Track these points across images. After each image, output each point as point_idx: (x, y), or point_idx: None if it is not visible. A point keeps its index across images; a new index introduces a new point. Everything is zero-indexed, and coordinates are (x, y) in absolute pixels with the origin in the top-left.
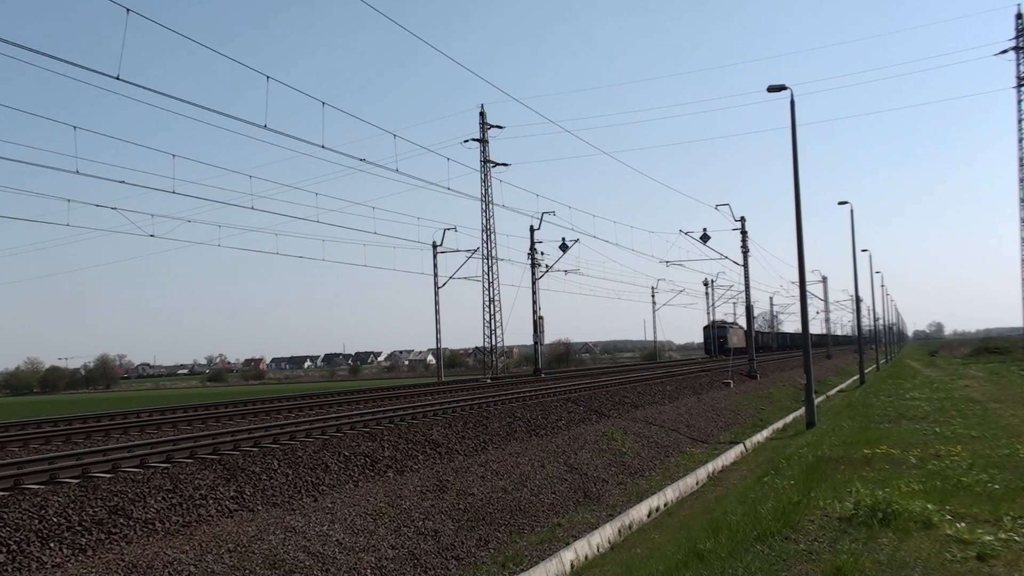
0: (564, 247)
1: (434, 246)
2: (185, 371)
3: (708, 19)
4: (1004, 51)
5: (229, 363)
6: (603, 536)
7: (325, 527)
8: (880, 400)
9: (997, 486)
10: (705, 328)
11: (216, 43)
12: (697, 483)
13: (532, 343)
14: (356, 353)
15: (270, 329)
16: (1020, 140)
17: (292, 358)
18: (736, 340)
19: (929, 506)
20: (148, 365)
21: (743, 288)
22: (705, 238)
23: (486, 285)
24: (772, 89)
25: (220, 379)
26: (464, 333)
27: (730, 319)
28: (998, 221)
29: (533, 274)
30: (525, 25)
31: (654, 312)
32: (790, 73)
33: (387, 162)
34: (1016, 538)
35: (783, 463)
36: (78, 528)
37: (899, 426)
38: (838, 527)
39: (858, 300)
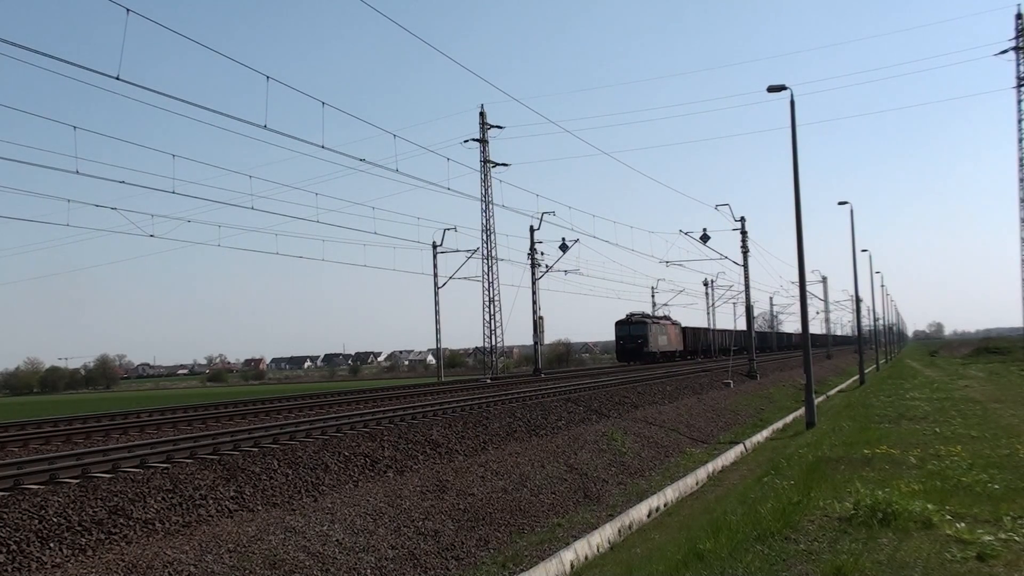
0: (564, 247)
1: (434, 246)
2: (185, 371)
3: (709, 19)
4: (1004, 51)
5: (229, 363)
6: (603, 536)
7: (325, 527)
8: (880, 400)
9: (997, 486)
10: (618, 324)
11: (216, 43)
12: (697, 483)
13: (532, 343)
14: (356, 353)
15: (270, 329)
16: (1020, 140)
17: (292, 358)
18: (664, 341)
19: (929, 506)
20: (148, 365)
21: (743, 288)
22: (705, 238)
23: (486, 285)
24: (772, 89)
25: (220, 379)
26: (464, 333)
27: (658, 311)
28: (998, 221)
29: (533, 274)
30: (525, 25)
31: (654, 312)
32: (790, 73)
33: (387, 162)
34: (1016, 538)
35: (783, 463)
36: (78, 528)
37: (899, 426)
38: (838, 527)
39: (858, 300)
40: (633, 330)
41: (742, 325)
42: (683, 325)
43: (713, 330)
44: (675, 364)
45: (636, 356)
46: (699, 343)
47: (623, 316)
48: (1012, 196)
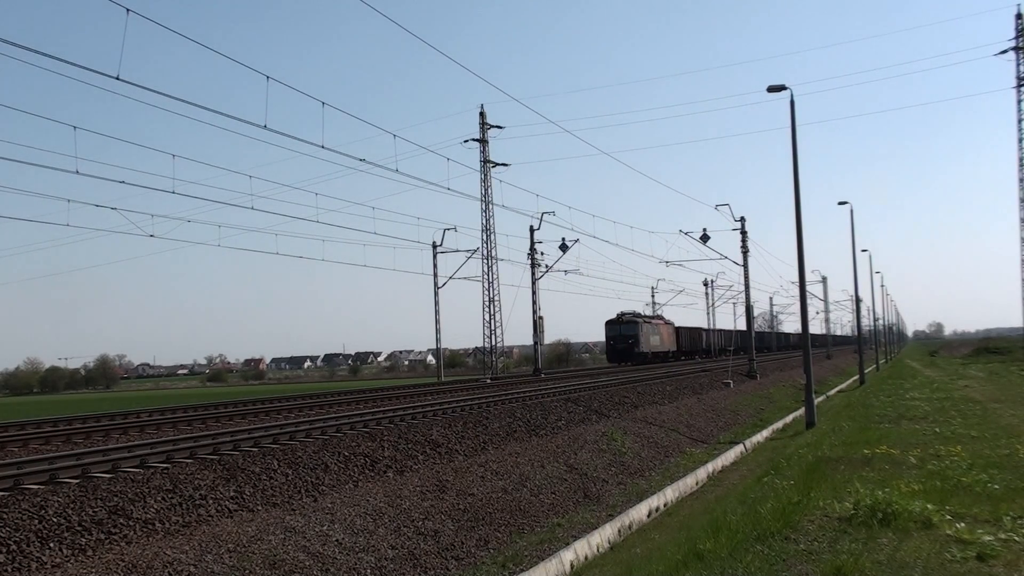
0: (564, 247)
1: (434, 246)
2: (185, 371)
3: (708, 19)
4: (1004, 51)
5: (229, 363)
6: (603, 536)
7: (325, 527)
8: (880, 400)
9: (997, 486)
10: (608, 323)
11: (216, 43)
12: (697, 483)
13: (532, 343)
14: (356, 353)
15: (270, 329)
16: (1020, 140)
17: (292, 358)
18: (656, 341)
19: (929, 506)
20: (148, 365)
21: (743, 288)
22: (705, 238)
23: (486, 285)
24: (772, 89)
25: (220, 379)
26: (464, 333)
27: (649, 310)
28: (998, 221)
29: (533, 274)
30: (525, 25)
31: (654, 310)
32: (790, 73)
33: (387, 162)
34: (1016, 538)
35: (783, 463)
36: (78, 528)
37: (899, 426)
38: (838, 527)
39: (858, 300)
40: (624, 330)
41: (742, 325)
42: (676, 325)
43: (708, 330)
44: (674, 364)
45: (627, 356)
46: (694, 343)
47: (613, 316)
48: (1012, 196)
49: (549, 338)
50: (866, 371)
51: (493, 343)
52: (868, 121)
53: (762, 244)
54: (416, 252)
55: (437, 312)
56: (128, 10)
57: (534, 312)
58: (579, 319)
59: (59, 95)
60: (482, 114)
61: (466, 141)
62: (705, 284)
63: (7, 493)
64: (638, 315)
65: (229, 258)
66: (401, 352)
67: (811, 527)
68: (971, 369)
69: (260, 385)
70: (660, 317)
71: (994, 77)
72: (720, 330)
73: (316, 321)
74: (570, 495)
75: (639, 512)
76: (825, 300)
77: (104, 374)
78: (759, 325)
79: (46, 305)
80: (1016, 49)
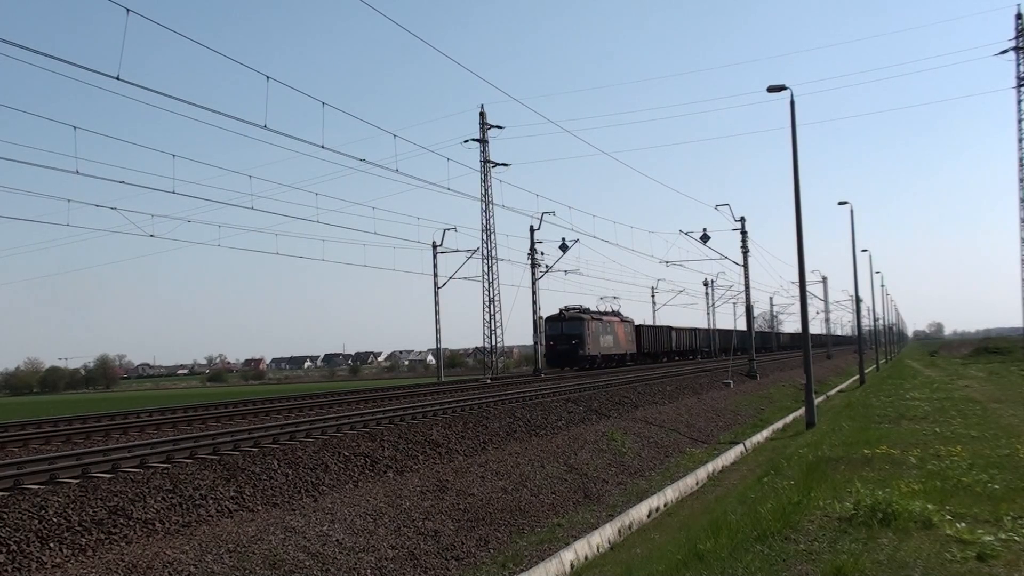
0: (564, 247)
1: (434, 246)
2: (185, 371)
3: (708, 19)
4: (1004, 51)
5: (229, 363)
6: (603, 536)
7: (325, 527)
8: (880, 400)
9: (997, 486)
10: (548, 320)
11: (216, 43)
12: (697, 483)
13: (532, 343)
14: (356, 353)
15: (270, 329)
16: (1020, 140)
17: (292, 358)
18: (608, 342)
19: (929, 506)
20: (148, 365)
21: (743, 288)
22: (705, 238)
23: (486, 285)
24: (772, 89)
25: (220, 379)
26: (464, 333)
27: (605, 308)
28: (998, 221)
29: (533, 274)
30: (525, 25)
31: (654, 312)
32: (790, 73)
33: (387, 162)
34: (1016, 538)
35: (783, 463)
36: (78, 528)
37: (899, 426)
38: (838, 527)
39: (858, 300)
40: (566, 328)
41: (742, 325)
42: (637, 323)
43: (678, 328)
44: (674, 364)
45: (570, 360)
46: (658, 344)
47: (554, 312)
48: (1012, 196)
49: None
50: (866, 371)
51: (493, 343)
52: (868, 121)
53: (762, 244)
54: (416, 252)
55: (437, 312)
56: (128, 10)
57: (534, 312)
58: None
59: (59, 95)
60: (482, 114)
61: (466, 141)
62: (705, 284)
63: (7, 493)
64: (585, 311)
65: (229, 258)
66: (401, 352)
67: (811, 527)
68: (971, 369)
69: (260, 385)
70: (616, 313)
71: (994, 77)
72: (694, 329)
73: (316, 321)
74: (570, 495)
75: (639, 512)
76: (825, 300)
77: (104, 374)
78: (759, 325)
79: (46, 305)
80: (1016, 49)
